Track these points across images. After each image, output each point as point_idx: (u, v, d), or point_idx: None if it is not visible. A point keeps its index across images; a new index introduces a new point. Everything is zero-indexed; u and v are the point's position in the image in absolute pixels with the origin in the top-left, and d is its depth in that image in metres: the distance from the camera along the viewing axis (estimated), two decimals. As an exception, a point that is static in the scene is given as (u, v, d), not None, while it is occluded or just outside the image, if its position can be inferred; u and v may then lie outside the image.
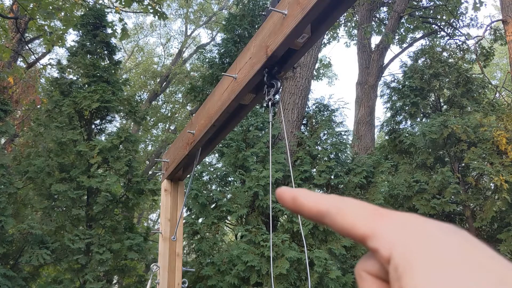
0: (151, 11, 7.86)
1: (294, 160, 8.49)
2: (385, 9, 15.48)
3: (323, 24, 1.78)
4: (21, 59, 13.31)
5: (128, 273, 8.26)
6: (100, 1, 10.18)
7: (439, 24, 14.30)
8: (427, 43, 13.75)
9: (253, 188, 7.52)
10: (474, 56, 12.61)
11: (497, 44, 14.24)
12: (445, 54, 12.28)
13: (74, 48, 9.36)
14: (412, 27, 14.65)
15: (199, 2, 21.22)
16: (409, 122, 12.11)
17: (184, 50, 22.11)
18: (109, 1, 12.64)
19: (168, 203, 3.00)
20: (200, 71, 15.05)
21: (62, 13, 7.81)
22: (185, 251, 8.15)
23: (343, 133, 8.96)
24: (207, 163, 8.91)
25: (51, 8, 7.04)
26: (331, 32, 16.62)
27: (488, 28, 12.89)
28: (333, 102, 20.30)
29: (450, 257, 0.24)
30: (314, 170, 8.54)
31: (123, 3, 7.49)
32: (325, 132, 8.94)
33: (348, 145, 8.96)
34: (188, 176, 3.07)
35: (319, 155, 8.52)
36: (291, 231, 7.40)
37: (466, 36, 12.89)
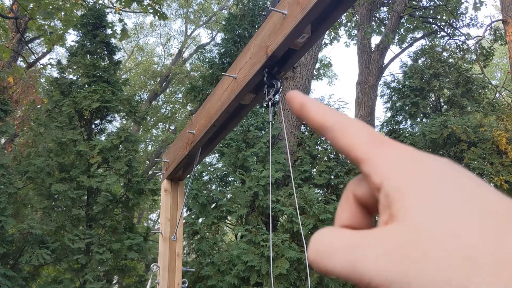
0: (151, 11, 7.86)
1: (294, 160, 8.49)
2: (385, 9, 15.48)
3: (323, 24, 1.78)
4: (21, 59, 13.31)
5: (128, 273, 8.26)
6: (100, 1, 10.19)
7: (439, 24, 14.30)
8: (427, 43, 13.76)
9: (253, 188, 7.52)
10: (474, 56, 12.62)
11: (497, 44, 14.24)
12: (445, 54, 12.29)
13: (74, 48, 9.36)
14: (412, 27, 14.66)
15: (199, 2, 21.23)
16: (409, 122, 12.11)
17: (184, 50, 22.12)
18: (109, 1, 12.65)
19: (168, 203, 3.01)
20: (200, 71, 15.05)
21: (62, 13, 7.81)
22: (185, 251, 8.15)
23: (343, 133, 8.96)
24: (207, 163, 8.92)
25: (51, 8, 7.04)
26: (331, 32, 16.63)
27: (488, 28, 12.89)
28: (333, 102, 20.26)
29: (443, 186, 0.24)
30: (314, 170, 8.54)
31: (123, 3, 7.49)
32: (325, 132, 8.95)
33: (348, 145, 8.96)
34: (188, 176, 3.07)
35: (319, 155, 8.52)
36: (291, 231, 7.40)
37: (466, 36, 12.90)
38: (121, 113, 9.66)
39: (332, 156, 8.72)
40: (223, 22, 12.22)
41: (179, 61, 20.92)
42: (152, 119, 20.01)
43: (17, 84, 12.05)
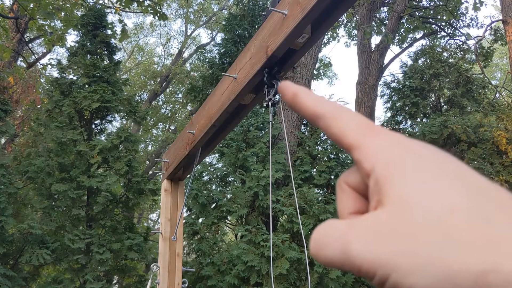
0: (151, 12, 7.86)
1: (294, 160, 8.49)
2: (385, 9, 15.48)
3: (323, 24, 1.78)
4: (21, 59, 13.32)
5: (128, 273, 8.26)
6: (100, 1, 10.19)
7: (439, 24, 14.30)
8: (427, 43, 13.76)
9: (253, 188, 7.52)
10: (474, 56, 12.61)
11: (497, 44, 14.23)
12: (445, 54, 12.29)
13: (74, 48, 9.36)
14: (412, 27, 14.65)
15: (199, 2, 21.23)
16: (409, 122, 12.12)
17: (184, 50, 22.12)
18: (109, 1, 12.65)
19: (168, 203, 3.01)
20: (200, 71, 15.05)
21: (62, 13, 7.81)
22: (185, 251, 8.15)
23: (343, 133, 8.94)
24: (207, 163, 8.91)
25: (51, 8, 7.04)
26: (331, 32, 16.62)
27: (488, 28, 12.89)
28: (333, 102, 20.24)
29: (431, 171, 0.24)
30: (314, 170, 8.54)
31: (123, 4, 7.49)
32: (325, 132, 8.94)
33: (348, 145, 8.95)
34: (188, 176, 3.07)
35: (319, 155, 8.52)
36: (291, 231, 7.40)
37: (466, 36, 12.89)
38: (121, 113, 9.66)
39: (332, 156, 8.72)
40: (223, 22, 12.22)
41: (179, 61, 20.92)
42: (152, 119, 20.01)
43: (17, 84, 12.06)
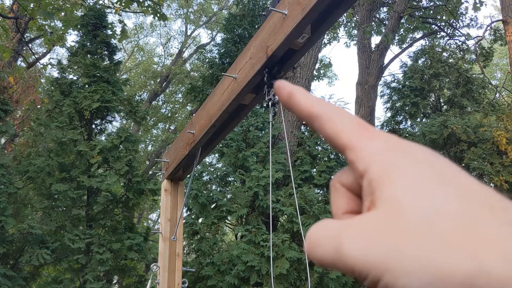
0: (151, 12, 7.87)
1: (294, 160, 8.49)
2: (385, 9, 15.49)
3: (323, 24, 1.78)
4: (21, 59, 13.32)
5: (128, 273, 8.26)
6: (101, 1, 10.19)
7: (439, 24, 14.30)
8: (427, 43, 13.75)
9: (253, 188, 7.52)
10: (474, 56, 12.61)
11: (497, 45, 14.23)
12: (445, 54, 12.29)
13: (75, 48, 9.36)
14: (412, 27, 14.65)
15: (199, 2, 21.23)
16: (409, 122, 12.12)
17: (184, 50, 22.12)
18: (109, 1, 12.66)
19: (168, 203, 3.01)
20: (200, 71, 15.05)
21: (62, 13, 7.81)
22: (185, 251, 8.15)
23: (343, 133, 8.94)
24: (207, 163, 8.91)
25: (51, 8, 7.05)
26: (331, 32, 16.63)
27: (488, 28, 12.89)
28: (333, 102, 20.28)
29: (423, 173, 0.24)
30: (314, 170, 8.54)
31: (123, 4, 7.50)
32: (325, 132, 8.93)
33: (348, 145, 8.95)
34: (188, 176, 3.07)
35: (319, 155, 8.52)
36: (291, 231, 7.40)
37: (466, 36, 12.89)
38: (121, 113, 9.66)
39: (332, 156, 8.72)
40: (223, 22, 12.22)
41: (179, 61, 20.93)
42: (152, 119, 20.01)
43: (17, 84, 12.06)
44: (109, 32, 9.51)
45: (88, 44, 9.37)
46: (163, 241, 2.93)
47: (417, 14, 14.07)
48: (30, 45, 15.14)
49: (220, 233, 7.77)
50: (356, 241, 0.23)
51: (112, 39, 9.54)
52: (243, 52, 2.08)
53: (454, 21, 13.92)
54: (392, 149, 0.26)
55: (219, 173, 8.47)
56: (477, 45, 12.49)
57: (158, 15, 7.85)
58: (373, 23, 14.05)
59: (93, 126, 9.28)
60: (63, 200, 8.03)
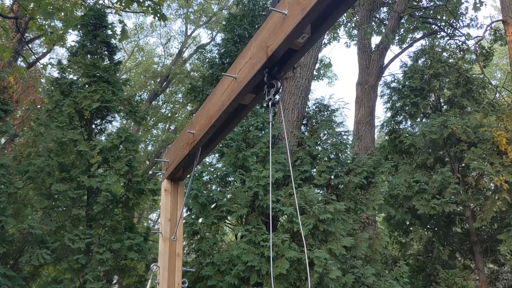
0: (151, 12, 7.87)
1: (294, 160, 8.49)
2: (385, 9, 15.49)
3: (323, 24, 1.78)
4: (22, 59, 13.31)
5: (128, 273, 8.26)
6: (100, 1, 10.19)
7: (439, 24, 14.30)
8: (427, 43, 13.75)
9: (253, 188, 7.51)
10: (474, 56, 12.61)
11: (497, 45, 14.24)
12: (445, 54, 12.28)
13: (75, 48, 9.36)
14: (412, 27, 14.66)
15: (199, 2, 21.22)
16: (409, 122, 12.11)
17: (184, 50, 22.11)
18: (109, 1, 12.64)
19: (168, 203, 3.01)
20: (200, 71, 15.04)
21: (62, 13, 7.81)
22: (185, 251, 8.15)
23: (343, 133, 8.94)
24: (207, 163, 8.91)
25: (51, 8, 7.04)
26: (331, 32, 16.62)
27: (488, 28, 12.88)
28: (333, 102, 20.26)
29: None
30: (314, 170, 8.53)
31: (123, 4, 7.50)
32: (325, 132, 8.93)
33: (348, 145, 8.94)
34: (188, 176, 3.07)
35: (319, 155, 8.51)
36: (291, 231, 7.39)
37: (466, 36, 12.89)
38: (121, 113, 9.66)
39: (332, 156, 8.71)
40: (223, 22, 12.22)
41: (179, 61, 20.92)
42: (152, 119, 20.00)
43: (17, 84, 12.05)
44: (109, 32, 9.50)
45: (88, 44, 9.37)
46: (163, 241, 2.93)
47: (417, 14, 14.07)
48: (30, 45, 15.14)
49: (220, 233, 7.77)
50: None
51: (112, 39, 9.53)
52: (243, 52, 2.08)
53: (454, 21, 13.92)
54: None
55: (219, 173, 8.46)
56: (477, 45, 12.49)
57: (158, 15, 7.85)
58: (373, 23, 14.05)
59: (93, 126, 9.27)
60: (63, 200, 8.03)
